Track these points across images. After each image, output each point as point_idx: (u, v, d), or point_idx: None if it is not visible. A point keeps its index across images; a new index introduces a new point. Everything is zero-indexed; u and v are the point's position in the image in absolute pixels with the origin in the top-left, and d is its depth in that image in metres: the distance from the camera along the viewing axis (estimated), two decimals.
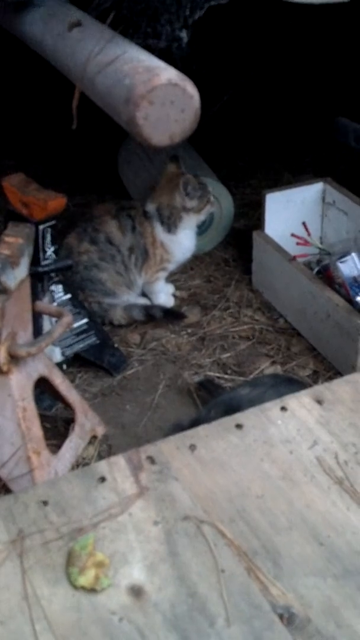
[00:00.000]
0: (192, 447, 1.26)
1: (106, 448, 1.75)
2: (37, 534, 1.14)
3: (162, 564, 1.09)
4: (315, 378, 1.89)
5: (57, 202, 1.84)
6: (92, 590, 1.06)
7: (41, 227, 1.85)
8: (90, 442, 1.75)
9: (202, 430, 1.30)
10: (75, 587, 1.06)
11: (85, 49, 1.35)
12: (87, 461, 1.70)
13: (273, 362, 1.94)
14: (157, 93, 1.16)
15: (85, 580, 1.07)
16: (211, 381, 1.86)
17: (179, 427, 1.61)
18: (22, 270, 1.60)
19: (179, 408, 1.84)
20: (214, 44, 2.56)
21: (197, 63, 1.66)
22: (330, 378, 1.88)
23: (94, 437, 1.76)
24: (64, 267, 1.81)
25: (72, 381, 1.93)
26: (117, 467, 1.23)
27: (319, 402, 1.35)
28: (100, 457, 1.72)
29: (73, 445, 1.69)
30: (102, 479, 1.22)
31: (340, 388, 1.38)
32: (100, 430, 1.78)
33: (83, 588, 1.06)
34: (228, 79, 2.88)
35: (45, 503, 1.18)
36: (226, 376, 1.91)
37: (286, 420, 1.31)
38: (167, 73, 1.17)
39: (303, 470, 1.22)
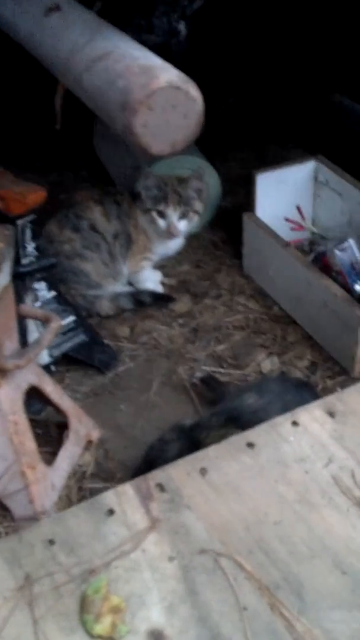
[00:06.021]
0: (203, 471, 1.21)
1: (102, 453, 1.68)
2: (46, 577, 1.08)
3: (182, 604, 1.04)
4: (314, 369, 1.83)
5: (36, 195, 1.73)
6: (110, 639, 1.01)
7: (20, 222, 1.74)
8: (86, 448, 1.68)
9: (212, 451, 1.25)
10: (91, 636, 1.01)
11: (68, 40, 1.24)
12: (84, 469, 1.63)
13: (270, 354, 1.88)
14: (157, 98, 1.06)
15: (101, 628, 1.01)
16: (212, 376, 1.79)
17: (179, 429, 1.55)
18: (4, 277, 1.49)
19: (176, 406, 1.77)
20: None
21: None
22: (329, 369, 1.83)
23: (89, 442, 1.69)
24: (47, 266, 1.72)
25: (62, 381, 1.85)
26: (125, 498, 1.17)
27: (331, 414, 1.30)
28: (97, 463, 1.65)
29: (68, 454, 1.62)
30: (111, 512, 1.16)
31: (352, 398, 1.33)
32: (95, 435, 1.71)
33: (100, 637, 1.01)
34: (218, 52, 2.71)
35: (51, 542, 1.12)
36: (222, 370, 1.84)
37: (299, 437, 1.26)
38: (167, 74, 1.06)
39: (320, 492, 1.17)
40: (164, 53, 1.11)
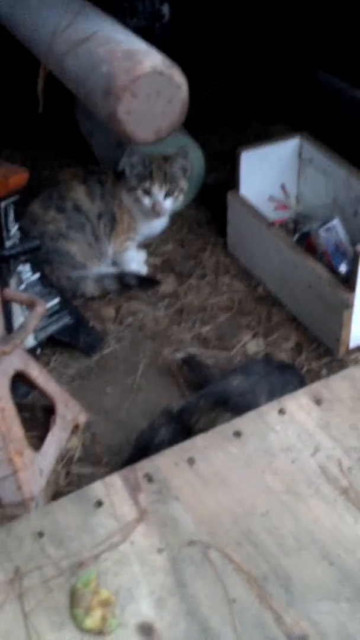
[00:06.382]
0: (191, 461, 1.21)
1: (89, 437, 1.68)
2: (36, 571, 1.08)
3: (171, 597, 1.05)
4: (299, 350, 1.84)
5: (18, 177, 1.70)
6: (100, 632, 1.01)
7: (3, 204, 1.71)
8: (72, 432, 1.68)
9: (199, 440, 1.24)
10: (82, 630, 1.02)
11: (50, 21, 1.20)
12: (71, 453, 1.64)
13: (255, 335, 1.88)
14: (141, 84, 1.03)
15: (92, 622, 1.02)
16: (194, 358, 1.79)
17: (168, 414, 1.55)
18: None
19: (162, 389, 1.77)
20: None
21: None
22: (314, 350, 1.84)
23: (76, 426, 1.69)
24: (31, 249, 1.69)
25: (47, 364, 1.84)
26: (113, 489, 1.17)
27: (318, 402, 1.30)
28: (84, 447, 1.65)
29: (56, 439, 1.62)
30: (99, 503, 1.16)
31: (338, 385, 1.33)
32: (82, 419, 1.71)
33: (91, 631, 1.01)
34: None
35: (40, 535, 1.12)
36: (208, 352, 1.84)
37: (285, 425, 1.26)
38: (151, 59, 1.03)
39: (307, 482, 1.18)
40: (148, 37, 1.08)
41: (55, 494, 1.53)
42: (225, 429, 1.26)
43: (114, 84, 1.04)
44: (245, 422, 1.26)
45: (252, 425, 1.26)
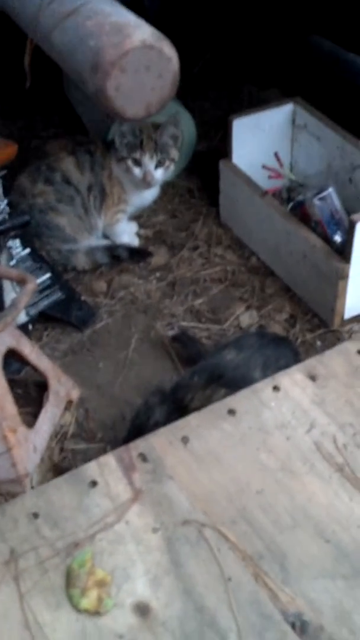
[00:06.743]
0: (185, 440, 1.20)
1: (83, 413, 1.67)
2: (31, 552, 1.08)
3: (166, 576, 1.05)
4: (293, 322, 1.82)
5: (7, 150, 1.67)
6: (96, 613, 1.02)
7: None
8: (66, 408, 1.67)
9: (193, 419, 1.24)
10: (78, 610, 1.02)
11: None
12: (65, 429, 1.63)
13: (248, 307, 1.86)
14: (130, 58, 1.00)
15: (88, 602, 1.02)
16: (186, 333, 1.77)
17: (159, 393, 1.53)
18: None
19: (155, 363, 1.76)
20: None
21: None
22: (309, 322, 1.82)
23: (69, 401, 1.68)
24: (20, 224, 1.66)
25: (39, 339, 1.83)
26: (108, 469, 1.17)
27: (312, 378, 1.29)
28: (77, 423, 1.65)
29: (49, 415, 1.61)
30: (94, 483, 1.16)
31: (333, 361, 1.32)
32: (75, 394, 1.70)
33: (87, 611, 1.02)
34: None
35: (35, 515, 1.12)
36: (201, 325, 1.83)
37: (280, 402, 1.26)
38: (140, 33, 1.00)
39: (302, 459, 1.18)
40: (137, 9, 1.03)
41: (50, 470, 1.53)
42: (219, 407, 1.25)
43: (102, 59, 1.00)
44: (239, 399, 1.26)
45: (246, 403, 1.25)
